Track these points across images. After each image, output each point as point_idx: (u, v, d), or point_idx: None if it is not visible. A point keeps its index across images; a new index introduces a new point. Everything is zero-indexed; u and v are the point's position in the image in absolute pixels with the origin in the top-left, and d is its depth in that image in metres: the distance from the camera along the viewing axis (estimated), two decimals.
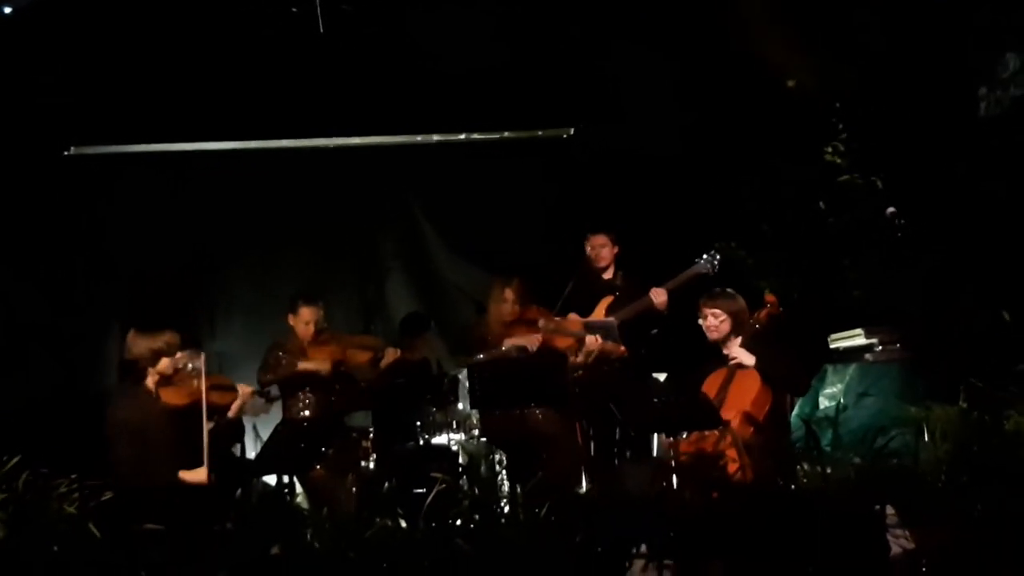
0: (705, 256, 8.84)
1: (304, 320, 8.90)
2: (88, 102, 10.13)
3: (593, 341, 8.61)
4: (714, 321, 7.78)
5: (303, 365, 8.78)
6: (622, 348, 8.61)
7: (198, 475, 7.37)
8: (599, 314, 8.88)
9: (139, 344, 7.57)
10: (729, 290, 7.95)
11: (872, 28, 9.47)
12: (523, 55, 10.12)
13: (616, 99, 10.34)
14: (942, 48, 9.25)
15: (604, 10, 10.04)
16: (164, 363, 7.59)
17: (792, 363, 7.77)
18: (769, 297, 8.01)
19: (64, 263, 10.41)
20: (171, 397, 7.64)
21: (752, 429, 7.29)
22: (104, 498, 5.77)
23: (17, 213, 10.08)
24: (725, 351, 7.77)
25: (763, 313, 7.86)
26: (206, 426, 7.53)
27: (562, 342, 8.69)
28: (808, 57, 9.64)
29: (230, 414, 8.14)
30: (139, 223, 10.57)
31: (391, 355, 9.01)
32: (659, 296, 8.71)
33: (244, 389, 8.22)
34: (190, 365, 7.77)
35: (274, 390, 8.83)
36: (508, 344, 8.68)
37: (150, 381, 7.56)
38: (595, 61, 10.27)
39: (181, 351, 7.74)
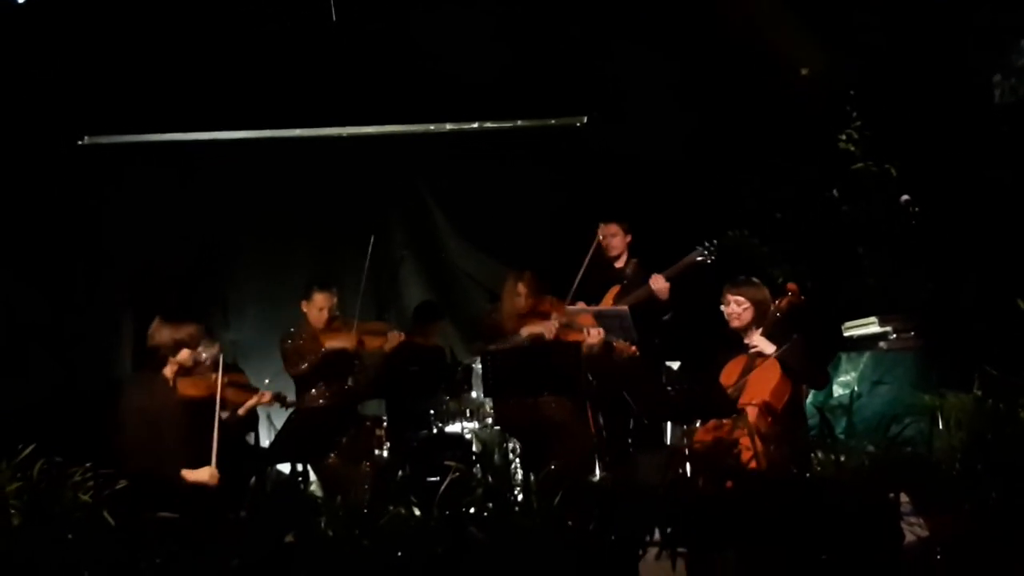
0: (703, 244, 8.84)
1: (318, 306, 8.87)
2: (96, 92, 10.14)
3: (596, 334, 8.58)
4: (736, 309, 7.71)
5: (330, 344, 8.75)
6: (633, 348, 8.58)
7: (201, 475, 7.36)
8: (607, 303, 8.89)
9: (163, 333, 7.58)
10: (754, 279, 7.89)
11: (886, 18, 9.46)
12: (531, 51, 10.12)
13: (629, 90, 10.34)
14: (955, 36, 9.23)
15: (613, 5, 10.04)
16: (184, 354, 7.60)
17: (811, 355, 7.72)
18: (790, 286, 7.93)
19: (66, 259, 10.39)
20: (188, 389, 7.66)
21: (770, 419, 7.25)
22: (118, 487, 5.79)
23: (22, 206, 10.07)
24: (746, 340, 7.71)
25: (784, 302, 7.78)
26: (217, 423, 7.53)
27: (574, 335, 8.69)
28: (821, 45, 9.64)
29: (240, 412, 8.18)
30: (150, 213, 10.57)
31: (395, 339, 8.96)
32: (658, 283, 8.73)
33: (263, 395, 8.26)
34: (209, 360, 7.83)
35: (289, 396, 8.80)
36: (525, 332, 8.68)
37: (168, 371, 7.57)
38: (602, 56, 10.27)
39: (202, 345, 7.78)
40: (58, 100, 10.00)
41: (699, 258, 8.78)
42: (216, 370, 7.73)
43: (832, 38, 9.59)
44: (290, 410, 8.68)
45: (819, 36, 9.61)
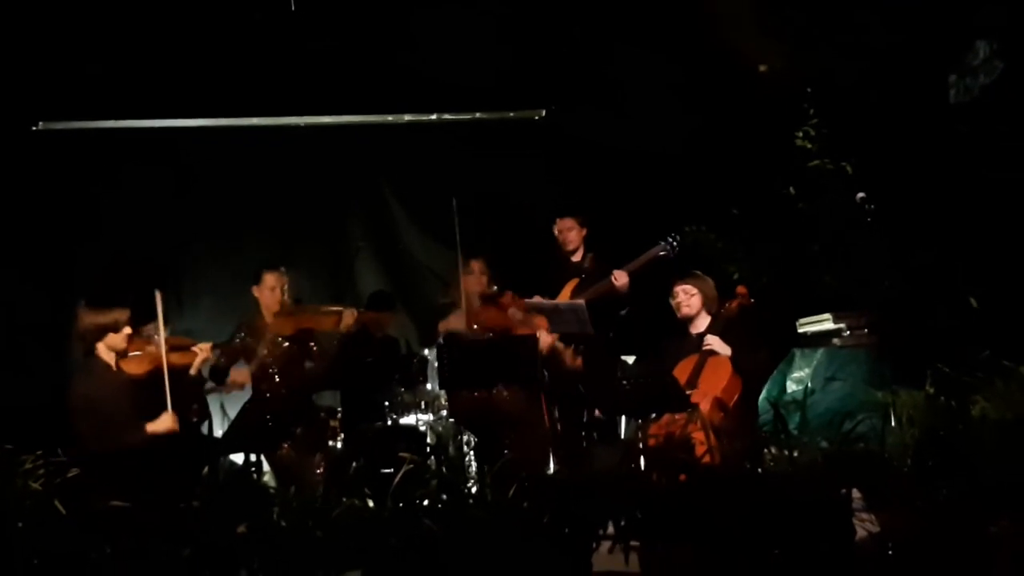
0: (666, 239, 8.87)
1: (269, 286, 8.83)
2: (55, 78, 10.04)
3: (547, 339, 8.57)
4: (684, 297, 7.91)
5: (283, 328, 8.71)
6: (579, 360, 8.57)
7: (162, 424, 7.39)
8: (564, 296, 8.91)
9: (87, 318, 7.55)
10: (699, 272, 8.04)
11: (846, 19, 9.50)
12: (497, 44, 10.10)
13: (590, 84, 10.36)
14: (913, 35, 9.28)
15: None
16: (113, 338, 7.56)
17: (760, 357, 7.83)
18: (740, 289, 8.10)
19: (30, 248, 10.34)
20: (132, 367, 7.62)
21: (722, 415, 7.33)
22: (70, 475, 5.74)
23: None
24: (693, 329, 7.84)
25: (734, 304, 7.96)
26: (168, 383, 7.51)
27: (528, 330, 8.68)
28: (780, 41, 9.67)
29: (192, 371, 8.09)
30: (104, 201, 10.50)
31: (349, 316, 8.93)
32: (620, 279, 8.74)
33: (203, 347, 8.16)
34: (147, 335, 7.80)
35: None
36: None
37: (105, 354, 7.54)
38: (572, 48, 10.28)
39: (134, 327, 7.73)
40: (15, 86, 9.91)
41: (662, 253, 8.81)
42: (158, 344, 7.69)
43: (791, 35, 9.62)
44: (244, 399, 8.65)
45: (778, 32, 9.64)
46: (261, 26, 9.91)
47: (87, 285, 9.90)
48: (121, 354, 7.60)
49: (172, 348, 7.82)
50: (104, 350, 7.55)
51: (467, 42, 9.89)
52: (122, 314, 7.60)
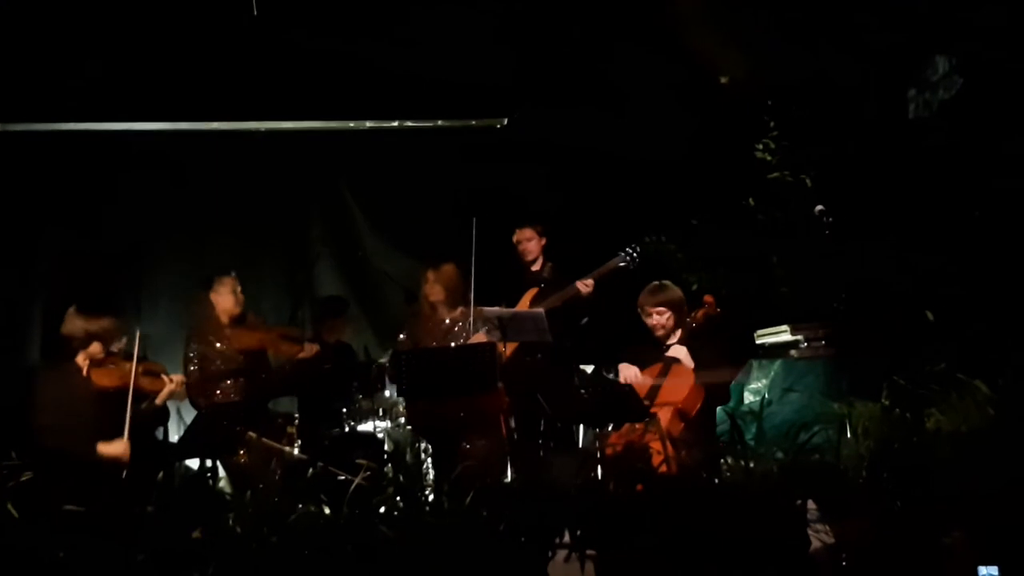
0: (625, 250, 8.88)
1: (228, 290, 8.78)
2: (15, 77, 9.98)
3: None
4: (659, 319, 7.81)
5: (240, 343, 8.68)
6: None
7: (116, 448, 7.34)
8: (524, 305, 8.90)
9: (76, 323, 7.53)
10: (665, 282, 7.99)
11: (806, 29, 9.55)
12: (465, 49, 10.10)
13: (552, 89, 10.37)
14: (875, 48, 9.34)
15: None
16: (95, 347, 7.54)
17: (724, 369, 7.80)
18: (707, 298, 8.04)
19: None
20: (102, 379, 7.60)
21: (682, 425, 7.31)
22: (24, 478, 5.70)
23: None
24: (668, 343, 7.80)
25: (700, 313, 7.90)
26: (130, 406, 7.48)
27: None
28: (742, 53, 9.71)
29: (158, 401, 8.08)
30: (67, 204, 10.44)
31: (309, 349, 8.93)
32: (588, 286, 8.74)
33: (176, 378, 8.15)
34: (119, 351, 7.77)
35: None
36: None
37: (81, 360, 7.51)
38: (532, 51, 10.29)
39: (116, 337, 7.71)
40: None
41: (622, 264, 8.81)
42: (129, 359, 7.67)
43: (752, 46, 9.66)
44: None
45: (739, 43, 9.68)
46: (221, 29, 9.87)
47: (45, 286, 9.91)
48: (95, 363, 7.59)
49: (145, 372, 7.81)
50: (82, 356, 7.54)
51: (461, 42, 9.89)
52: (111, 323, 7.60)
